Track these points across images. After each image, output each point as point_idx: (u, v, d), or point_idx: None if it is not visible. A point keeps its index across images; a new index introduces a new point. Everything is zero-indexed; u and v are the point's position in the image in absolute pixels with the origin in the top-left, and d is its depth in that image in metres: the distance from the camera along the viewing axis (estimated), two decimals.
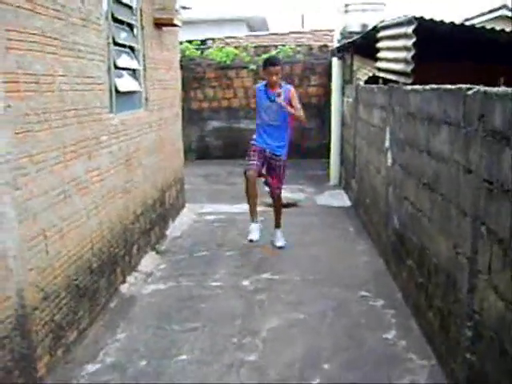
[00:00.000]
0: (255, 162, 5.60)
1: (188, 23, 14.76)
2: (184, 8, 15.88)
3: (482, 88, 2.78)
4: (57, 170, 3.52)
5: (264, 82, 5.71)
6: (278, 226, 6.14)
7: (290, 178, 9.94)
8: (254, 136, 5.83)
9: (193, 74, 11.93)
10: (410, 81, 4.48)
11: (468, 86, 2.98)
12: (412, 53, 4.36)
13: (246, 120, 12.05)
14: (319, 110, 11.57)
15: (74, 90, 3.79)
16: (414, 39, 4.34)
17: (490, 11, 10.82)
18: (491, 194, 2.63)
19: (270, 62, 5.58)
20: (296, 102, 5.58)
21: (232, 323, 4.11)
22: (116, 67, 4.78)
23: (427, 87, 3.71)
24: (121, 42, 4.88)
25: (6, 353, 2.88)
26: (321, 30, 13.34)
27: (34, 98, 3.20)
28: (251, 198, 5.70)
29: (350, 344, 3.76)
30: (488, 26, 5.43)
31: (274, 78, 5.48)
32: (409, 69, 4.44)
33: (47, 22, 3.38)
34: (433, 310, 3.60)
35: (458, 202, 3.12)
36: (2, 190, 2.87)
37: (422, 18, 4.40)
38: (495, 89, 2.65)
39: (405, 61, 4.51)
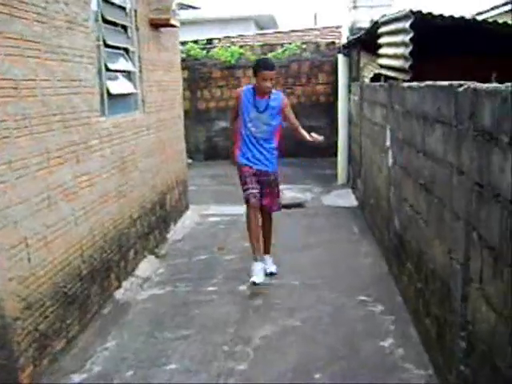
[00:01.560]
0: (254, 186, 4.91)
1: (195, 23, 14.75)
2: (193, 8, 15.88)
3: (473, 84, 2.64)
4: (40, 176, 3.43)
5: (251, 86, 4.95)
6: (268, 251, 5.26)
7: (297, 178, 9.91)
8: (238, 152, 5.02)
9: (199, 74, 11.85)
10: (408, 77, 4.34)
11: (459, 82, 2.84)
12: (409, 48, 4.21)
13: None
14: (327, 108, 11.43)
15: (59, 94, 3.71)
16: (411, 34, 4.19)
17: (504, 4, 10.58)
18: (482, 198, 2.49)
19: (264, 65, 4.79)
20: (291, 113, 5.13)
21: (225, 330, 4.01)
22: (108, 69, 4.69)
23: (422, 84, 3.57)
24: (113, 43, 4.79)
25: None
26: (328, 27, 13.19)
27: (13, 103, 3.12)
28: (254, 230, 4.93)
29: (345, 352, 3.63)
30: (501, 20, 5.26)
31: (268, 84, 4.77)
32: (407, 65, 4.29)
33: (27, 25, 3.31)
34: (430, 318, 3.46)
35: (451, 204, 2.98)
36: None
37: (419, 12, 4.25)
38: (485, 85, 2.50)
39: (403, 57, 4.36)
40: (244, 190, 4.94)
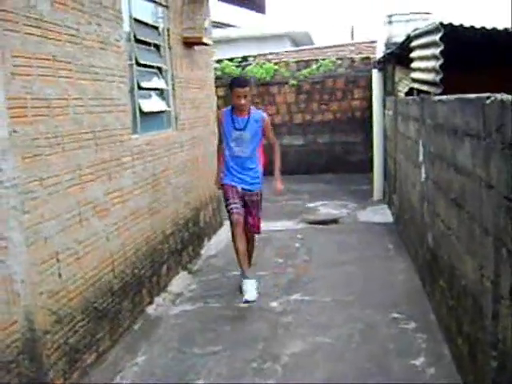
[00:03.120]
0: (237, 202, 4.84)
1: (232, 41, 14.91)
2: (229, 26, 16.08)
3: (500, 96, 2.58)
4: (71, 192, 3.51)
5: (230, 107, 4.90)
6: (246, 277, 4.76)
7: (332, 194, 9.85)
8: (222, 174, 5.03)
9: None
10: (438, 91, 4.27)
11: (487, 94, 2.78)
12: (440, 62, 4.15)
13: (288, 136, 11.98)
14: (363, 123, 11.34)
15: (91, 113, 3.80)
16: (441, 47, 4.14)
17: None
18: (511, 212, 2.43)
19: (236, 83, 4.74)
20: (271, 132, 5.03)
21: (254, 347, 3.99)
22: (140, 88, 4.79)
23: (452, 97, 3.51)
24: (145, 62, 4.89)
25: (13, 377, 2.86)
26: (363, 42, 13.14)
27: (45, 122, 3.21)
28: (241, 245, 4.78)
29: (375, 371, 3.56)
30: None
31: (242, 101, 4.68)
32: (438, 78, 4.24)
33: (59, 46, 3.41)
34: (462, 336, 3.37)
35: (481, 219, 2.91)
36: (9, 214, 2.87)
37: (449, 24, 4.19)
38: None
39: (434, 70, 4.30)
40: (227, 206, 4.90)
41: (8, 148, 2.85)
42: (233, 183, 4.90)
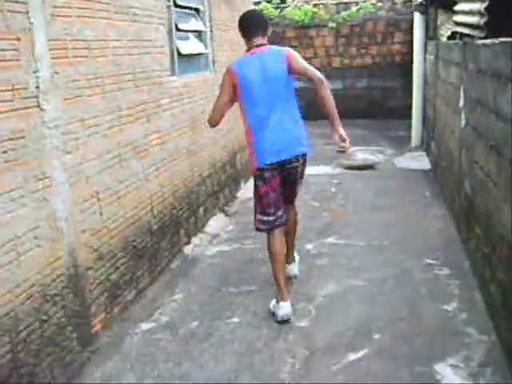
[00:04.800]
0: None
1: None
2: None
3: None
4: (111, 133, 3.58)
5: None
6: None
7: (370, 139, 9.74)
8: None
9: (272, 34, 11.71)
10: (483, 34, 4.13)
11: None
12: (486, 3, 3.99)
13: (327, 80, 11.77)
14: (403, 68, 11.02)
15: (130, 54, 3.81)
16: None
17: None
18: None
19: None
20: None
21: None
22: (178, 29, 4.76)
23: (496, 41, 3.39)
24: (183, 4, 4.84)
25: (58, 309, 3.00)
26: None
27: (85, 63, 3.25)
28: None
29: (407, 314, 3.62)
30: None
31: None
32: (482, 21, 4.08)
33: None
34: (495, 284, 3.37)
35: None
36: (52, 154, 2.95)
37: None
38: None
39: (479, 13, 4.15)
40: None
41: (50, 89, 2.91)
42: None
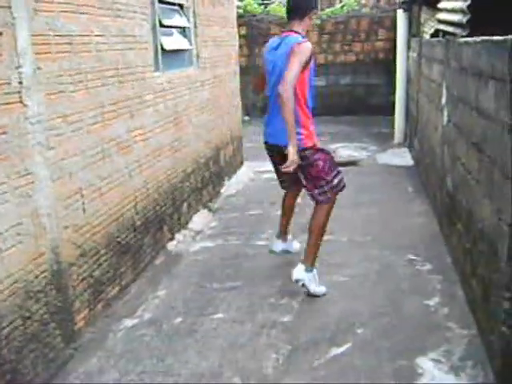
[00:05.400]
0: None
1: None
2: None
3: None
4: (95, 129, 3.56)
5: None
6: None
7: (353, 136, 9.80)
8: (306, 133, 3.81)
9: (257, 30, 11.74)
10: (465, 33, 4.18)
11: None
12: (468, 2, 4.04)
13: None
14: (386, 65, 11.08)
15: (114, 50, 3.80)
16: None
17: None
18: None
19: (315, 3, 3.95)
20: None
21: (272, 283, 4.10)
22: (162, 25, 4.74)
23: (478, 39, 3.44)
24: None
25: (41, 306, 2.98)
26: None
27: (68, 58, 3.23)
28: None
29: (389, 309, 3.66)
30: None
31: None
32: (465, 19, 4.13)
33: None
34: (476, 278, 3.42)
35: (502, 163, 2.91)
36: (35, 150, 2.92)
37: None
38: None
39: (461, 11, 4.19)
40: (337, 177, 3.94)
41: (33, 85, 2.88)
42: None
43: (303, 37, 3.75)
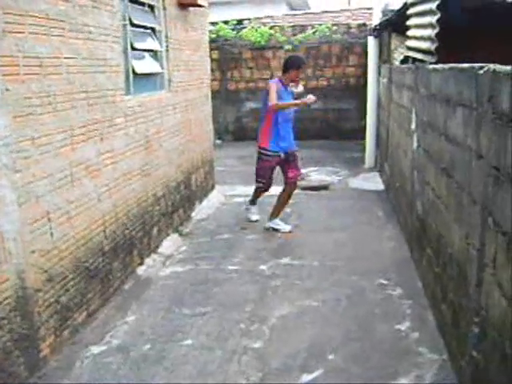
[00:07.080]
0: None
1: (228, 3, 14.67)
2: None
3: (493, 66, 2.59)
4: (63, 152, 3.51)
5: (277, 79, 5.83)
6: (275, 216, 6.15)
7: (325, 160, 9.88)
8: (268, 144, 5.82)
9: (229, 54, 11.84)
10: (434, 60, 4.26)
11: (481, 64, 2.78)
12: (436, 30, 4.13)
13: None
14: (357, 90, 11.27)
15: (84, 73, 3.76)
16: (438, 15, 4.11)
17: None
18: (498, 182, 2.46)
19: (302, 62, 5.82)
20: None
21: (242, 309, 4.06)
22: (134, 49, 4.73)
23: (446, 66, 3.51)
24: (139, 23, 4.82)
25: (5, 333, 2.89)
26: (360, 9, 12.99)
27: (37, 80, 3.19)
28: None
29: (360, 334, 3.65)
30: None
31: (301, 76, 6.02)
32: (433, 47, 4.22)
33: (52, 4, 3.35)
34: (447, 303, 3.44)
35: (470, 189, 2.94)
36: (1, 172, 2.87)
37: None
38: (504, 67, 2.45)
39: (430, 39, 4.28)
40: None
41: (0, 106, 2.84)
42: (280, 151, 5.86)
43: (280, 80, 5.79)
